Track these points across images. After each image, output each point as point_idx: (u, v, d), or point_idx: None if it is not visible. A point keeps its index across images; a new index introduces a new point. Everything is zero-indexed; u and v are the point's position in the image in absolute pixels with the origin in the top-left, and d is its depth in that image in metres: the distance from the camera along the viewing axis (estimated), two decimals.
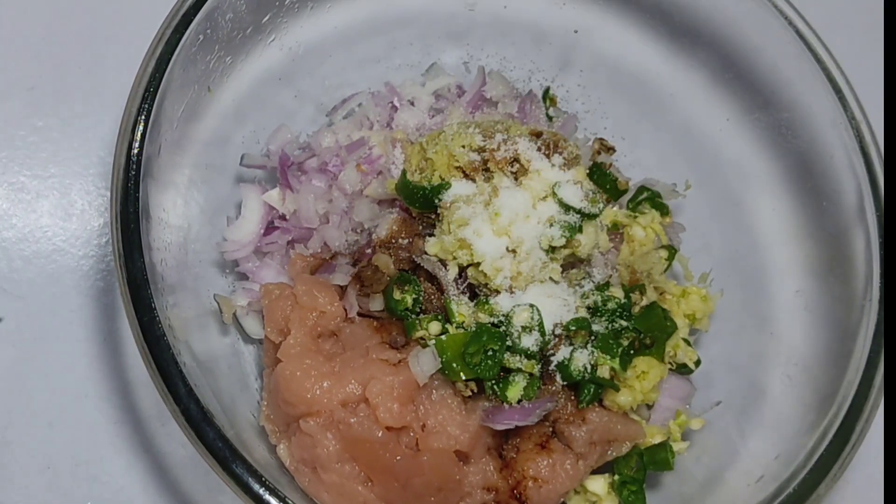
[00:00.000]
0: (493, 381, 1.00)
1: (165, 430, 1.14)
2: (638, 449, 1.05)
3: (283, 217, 1.10)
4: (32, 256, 1.18)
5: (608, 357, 1.01)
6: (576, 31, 1.17)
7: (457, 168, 1.03)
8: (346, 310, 1.03)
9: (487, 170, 1.04)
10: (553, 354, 1.01)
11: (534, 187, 1.02)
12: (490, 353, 0.99)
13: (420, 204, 1.04)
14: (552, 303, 1.01)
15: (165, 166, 0.97)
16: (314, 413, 0.97)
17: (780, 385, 1.06)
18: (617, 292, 1.04)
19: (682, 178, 1.17)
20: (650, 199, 1.14)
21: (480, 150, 1.04)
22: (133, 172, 0.90)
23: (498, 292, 1.00)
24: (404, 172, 1.05)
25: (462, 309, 1.01)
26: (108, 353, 1.17)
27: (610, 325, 1.03)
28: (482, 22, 1.17)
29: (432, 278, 1.03)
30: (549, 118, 1.17)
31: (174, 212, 1.00)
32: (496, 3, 1.06)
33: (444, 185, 1.03)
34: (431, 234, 1.04)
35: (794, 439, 0.99)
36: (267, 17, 1.06)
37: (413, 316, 1.02)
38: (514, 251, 1.00)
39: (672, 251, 1.12)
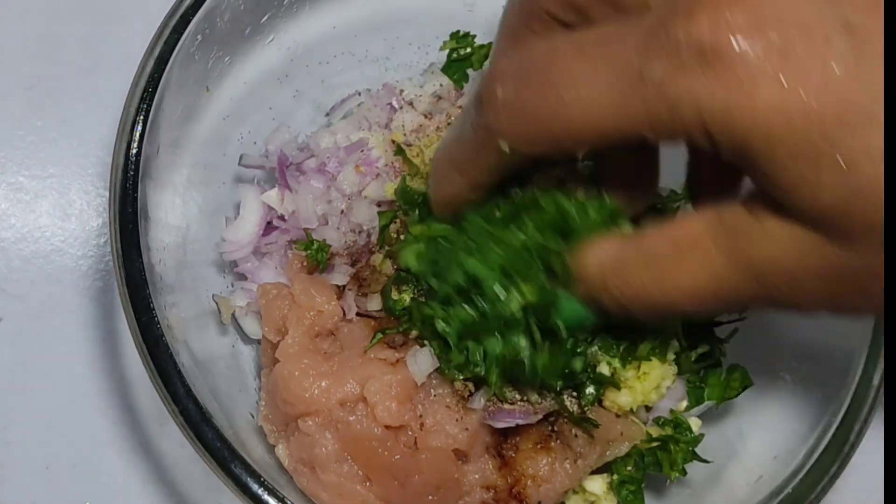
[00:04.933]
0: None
1: (164, 430, 1.14)
2: (637, 450, 1.05)
3: (281, 217, 1.10)
4: (31, 256, 1.18)
5: (608, 356, 1.01)
6: None
7: None
8: (343, 310, 1.03)
9: None
10: None
11: None
12: None
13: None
14: None
15: (164, 166, 0.97)
16: (312, 413, 0.97)
17: (779, 385, 1.06)
18: None
19: (680, 180, 1.16)
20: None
21: None
22: (132, 172, 0.90)
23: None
24: (404, 177, 1.05)
25: None
26: (107, 352, 1.17)
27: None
28: (482, 22, 1.17)
29: None
30: None
31: (172, 212, 1.00)
32: (496, 3, 1.05)
33: None
34: None
35: (792, 439, 0.99)
36: (266, 18, 1.06)
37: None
38: None
39: None
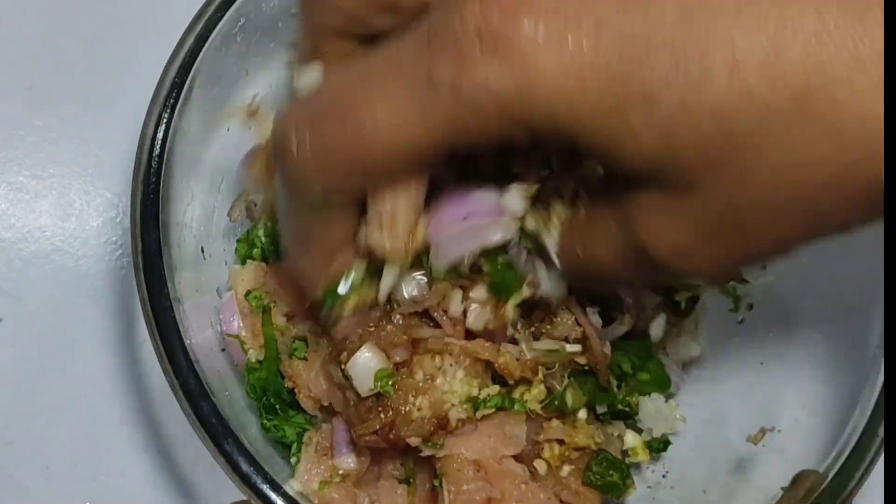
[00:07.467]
0: None
1: (166, 429, 1.13)
2: None
3: None
4: (31, 256, 1.18)
5: None
6: None
7: None
8: None
9: None
10: None
11: None
12: None
13: None
14: None
15: (194, 143, 0.97)
16: None
17: (777, 436, 1.04)
18: None
19: None
20: None
21: None
22: (159, 143, 0.90)
23: None
24: None
25: None
26: (108, 352, 1.16)
27: None
28: None
29: None
30: None
31: (199, 190, 1.00)
32: None
33: None
34: None
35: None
36: None
37: None
38: None
39: None
